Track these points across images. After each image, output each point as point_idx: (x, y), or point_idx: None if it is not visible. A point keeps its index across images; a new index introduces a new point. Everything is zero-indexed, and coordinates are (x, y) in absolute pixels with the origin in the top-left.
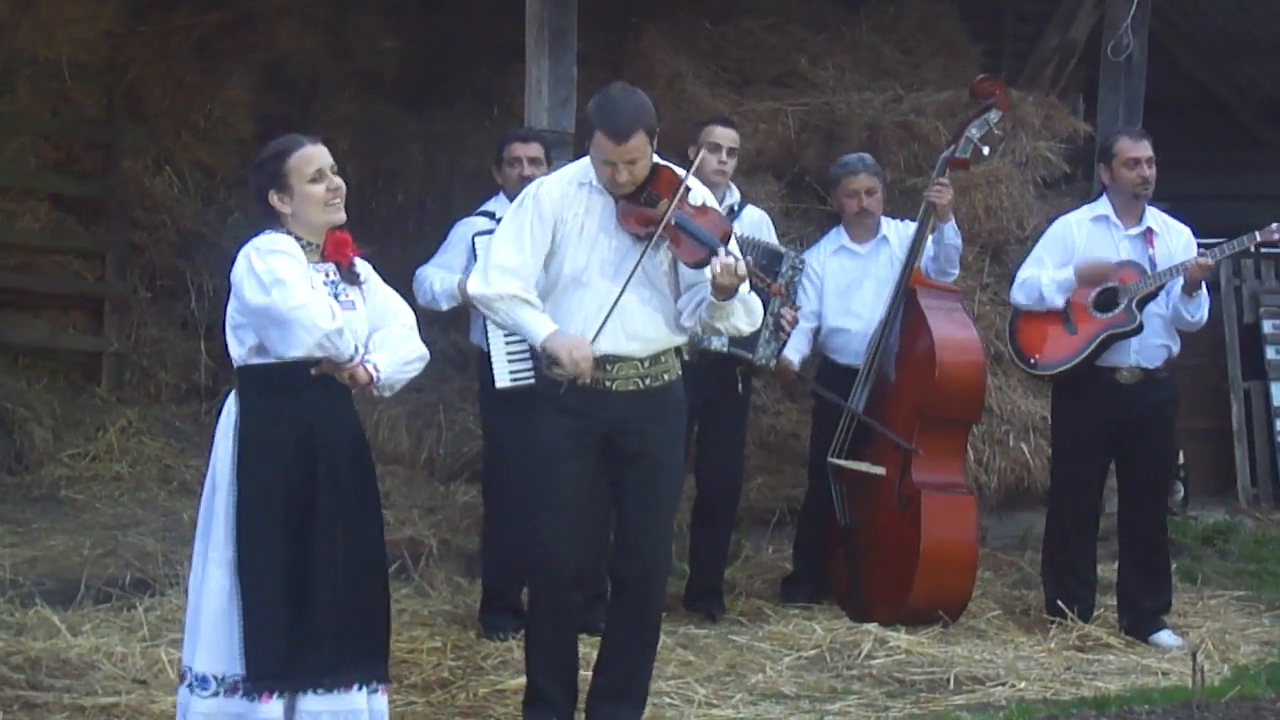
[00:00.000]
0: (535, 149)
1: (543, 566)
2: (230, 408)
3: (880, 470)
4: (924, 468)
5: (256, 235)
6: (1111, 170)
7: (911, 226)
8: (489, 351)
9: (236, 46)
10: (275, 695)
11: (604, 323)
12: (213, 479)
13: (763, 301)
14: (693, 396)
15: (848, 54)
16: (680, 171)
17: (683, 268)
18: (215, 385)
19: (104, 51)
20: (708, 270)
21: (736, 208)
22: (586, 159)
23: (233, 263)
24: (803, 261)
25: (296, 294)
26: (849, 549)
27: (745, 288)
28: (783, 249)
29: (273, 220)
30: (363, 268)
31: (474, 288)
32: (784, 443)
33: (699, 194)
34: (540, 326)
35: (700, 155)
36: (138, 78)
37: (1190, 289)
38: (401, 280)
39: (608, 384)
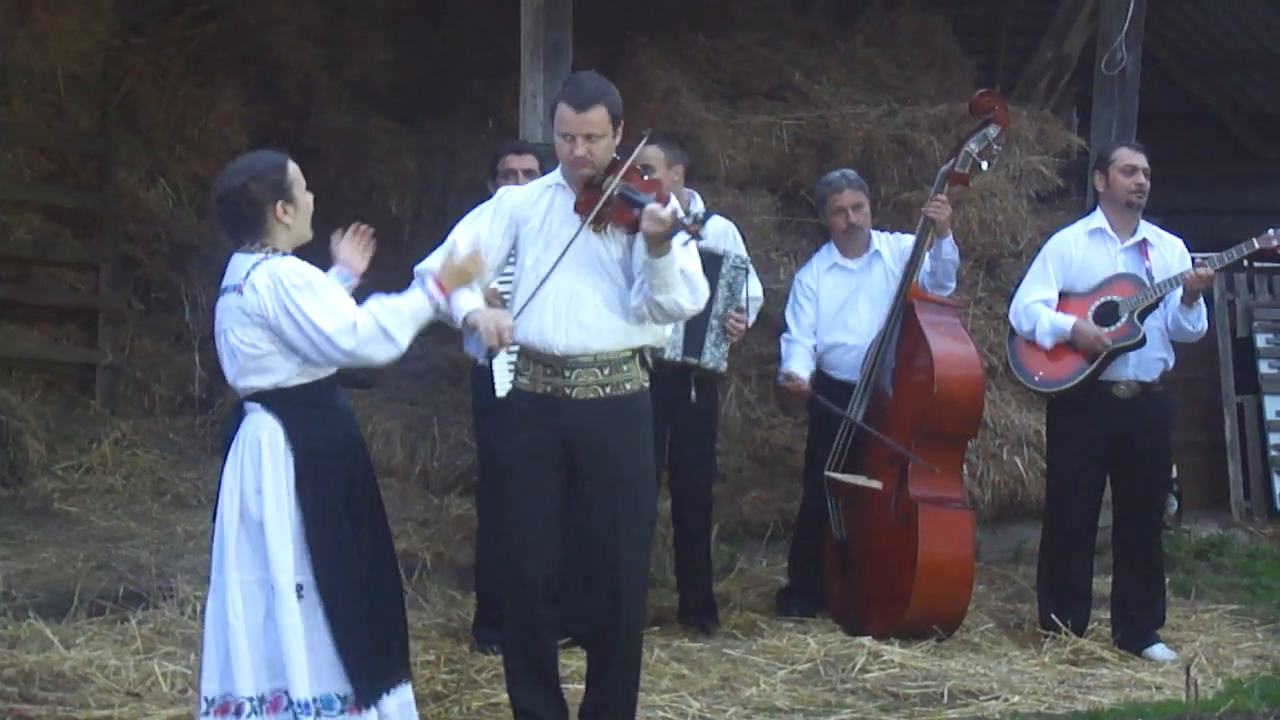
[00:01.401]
0: (530, 161)
1: (507, 580)
2: (256, 432)
3: (877, 484)
4: (921, 482)
5: (258, 264)
6: (1108, 177)
7: (905, 239)
8: (482, 364)
9: (231, 58)
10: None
11: (532, 295)
12: (237, 505)
13: (714, 259)
14: (658, 407)
15: (842, 68)
16: (638, 164)
17: (635, 253)
18: (209, 398)
19: (99, 64)
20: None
21: (701, 218)
22: (554, 173)
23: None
24: (743, 261)
25: (345, 329)
26: (844, 562)
27: (690, 263)
28: (720, 250)
29: (259, 237)
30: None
31: (429, 265)
32: (778, 456)
33: (646, 174)
34: (464, 304)
35: (642, 146)
36: (132, 90)
37: (1190, 299)
38: (398, 290)
39: (567, 391)
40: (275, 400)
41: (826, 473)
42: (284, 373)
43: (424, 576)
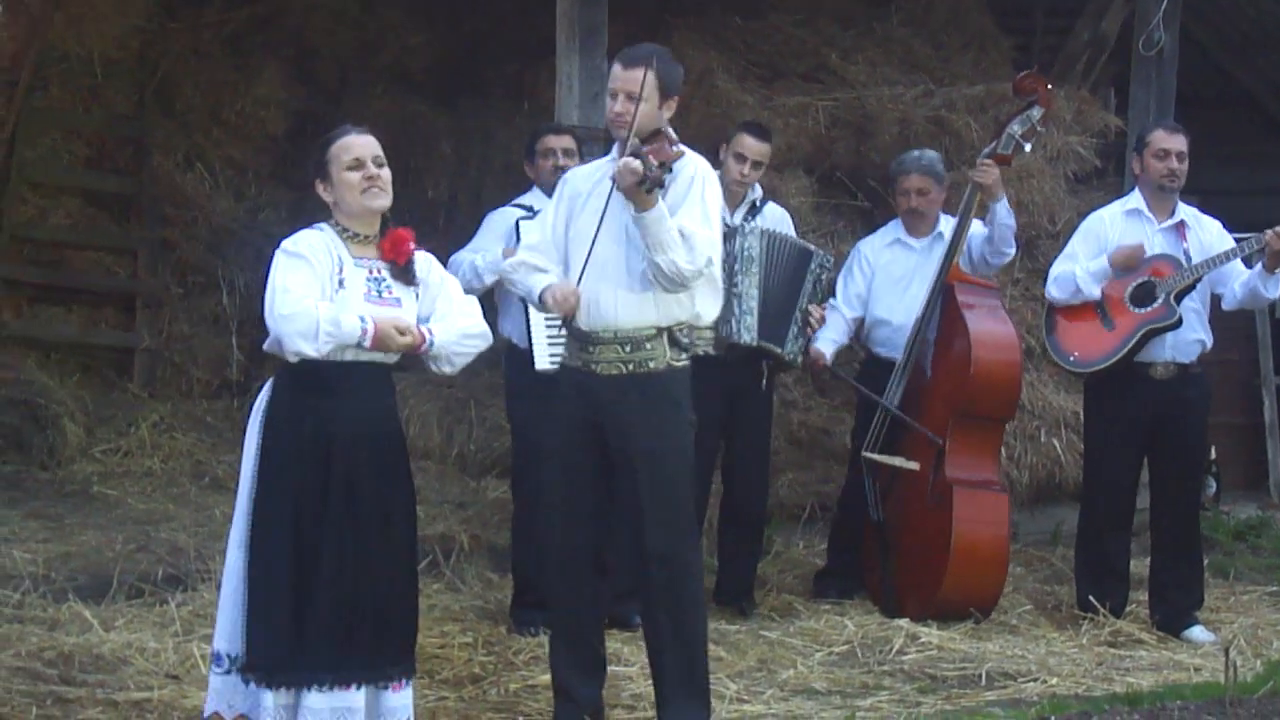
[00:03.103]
0: (568, 140)
1: (549, 559)
2: (262, 399)
3: (914, 465)
4: (958, 464)
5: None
6: (1142, 160)
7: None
8: (518, 344)
9: (267, 42)
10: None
11: (585, 262)
12: (244, 470)
13: (805, 256)
14: (719, 392)
15: (878, 49)
16: (677, 142)
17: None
18: (247, 381)
19: (135, 48)
20: (684, 205)
21: (759, 204)
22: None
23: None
24: (830, 261)
25: (286, 303)
26: (882, 544)
27: (691, 223)
28: (812, 247)
29: (322, 211)
30: (424, 267)
31: (502, 264)
32: (814, 438)
33: (688, 169)
34: (538, 283)
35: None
36: (169, 74)
37: (1272, 264)
38: None
39: (593, 367)
40: (280, 373)
41: (864, 453)
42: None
43: (461, 559)
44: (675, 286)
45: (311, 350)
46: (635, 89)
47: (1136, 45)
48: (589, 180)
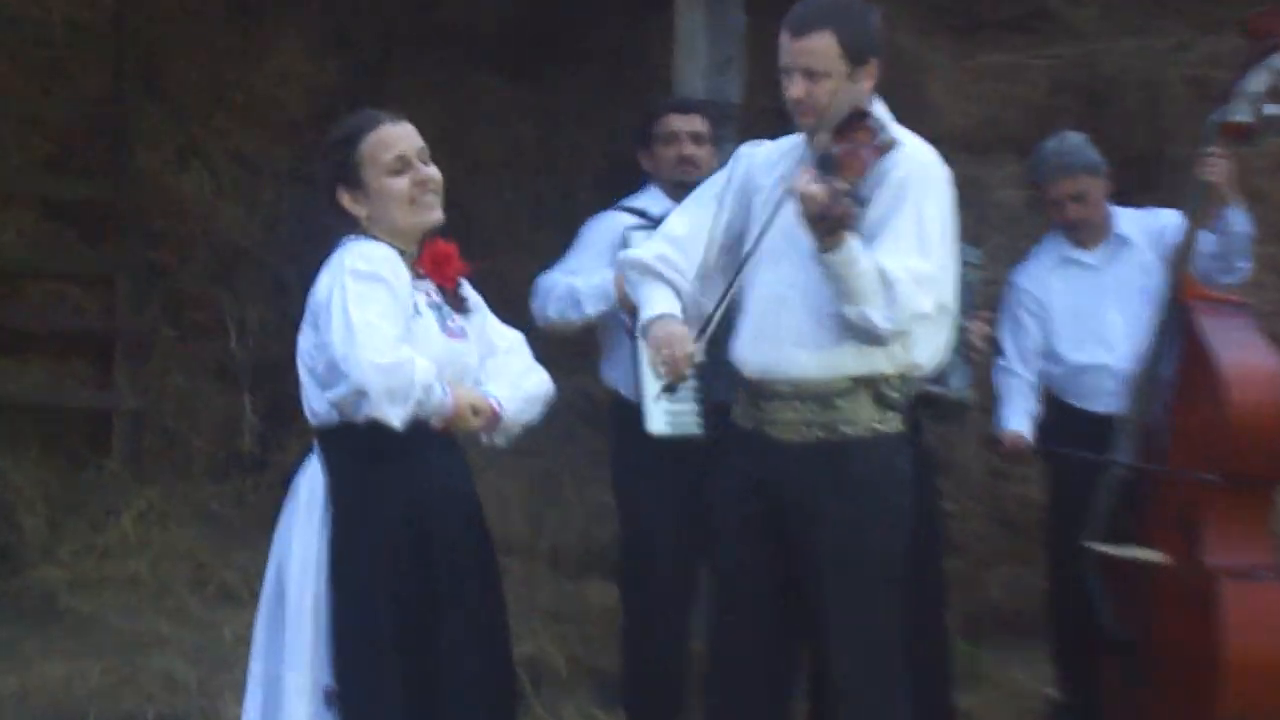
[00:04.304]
0: (697, 121)
1: (713, 671)
2: (311, 480)
3: (1158, 556)
4: (1220, 546)
5: (344, 243)
6: None
7: (1162, 215)
8: (627, 396)
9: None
10: None
11: (718, 306)
12: (279, 577)
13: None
14: None
15: None
16: (886, 131)
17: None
18: (264, 453)
19: (110, 7)
20: (885, 233)
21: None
22: None
23: (304, 279)
24: (978, 256)
25: (380, 346)
26: (1124, 665)
27: (895, 261)
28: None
29: (347, 224)
30: (469, 293)
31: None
32: (1034, 519)
33: (901, 163)
34: (653, 305)
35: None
36: (156, 42)
37: None
38: (513, 307)
39: (766, 428)
40: (333, 442)
41: (1086, 545)
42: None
43: (557, 688)
44: (866, 340)
45: (395, 419)
46: (815, 63)
47: None
48: (770, 170)
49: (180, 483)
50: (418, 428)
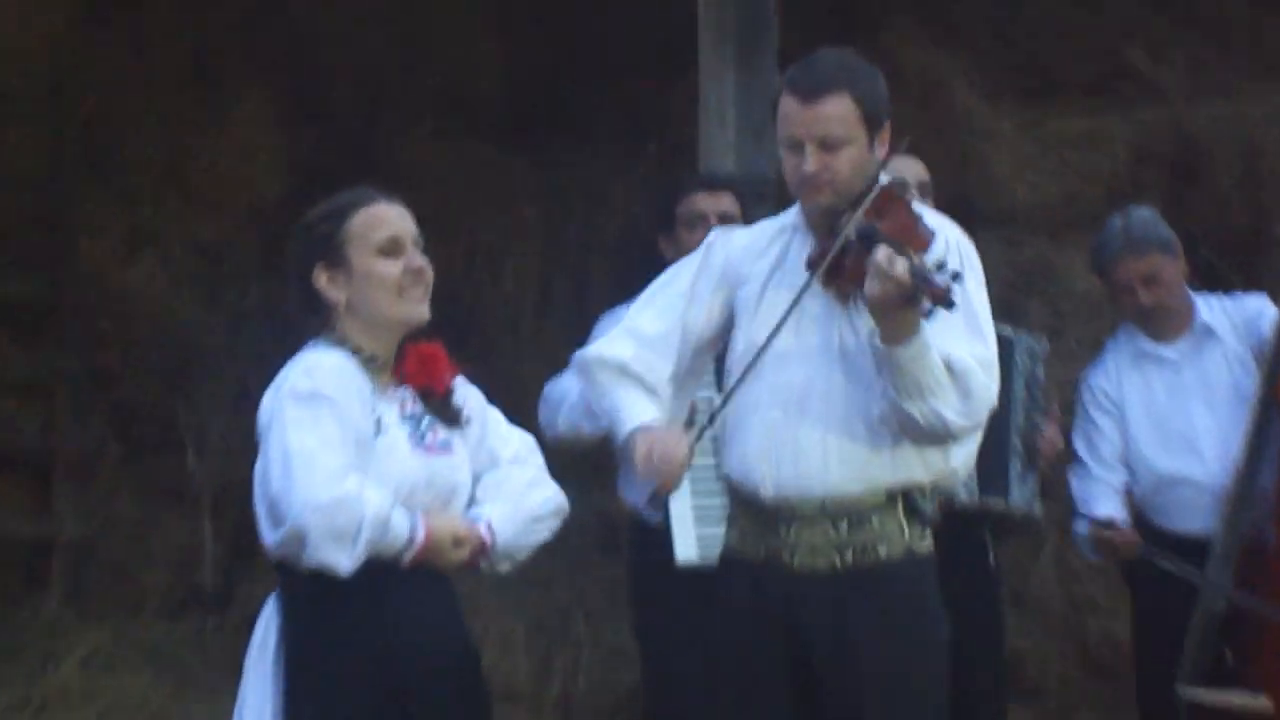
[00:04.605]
0: (727, 201)
1: None
2: (268, 622)
3: (1264, 703)
4: None
5: (300, 351)
6: None
7: (1249, 303)
8: (647, 516)
9: (255, 58)
10: None
11: (723, 403)
12: None
13: (1002, 348)
14: None
15: (1208, 38)
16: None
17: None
18: (227, 588)
19: (45, 67)
20: (938, 321)
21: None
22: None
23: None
24: (1043, 348)
25: (316, 480)
26: None
27: (961, 347)
28: (1008, 330)
29: (316, 318)
30: (465, 397)
31: (586, 350)
32: (1123, 658)
33: (941, 244)
34: (633, 413)
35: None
36: (102, 110)
37: None
38: (518, 416)
39: (784, 556)
40: (289, 577)
41: (1179, 688)
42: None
43: None
44: (931, 441)
45: (344, 562)
46: (833, 130)
47: None
48: (756, 259)
49: (130, 623)
50: (387, 563)
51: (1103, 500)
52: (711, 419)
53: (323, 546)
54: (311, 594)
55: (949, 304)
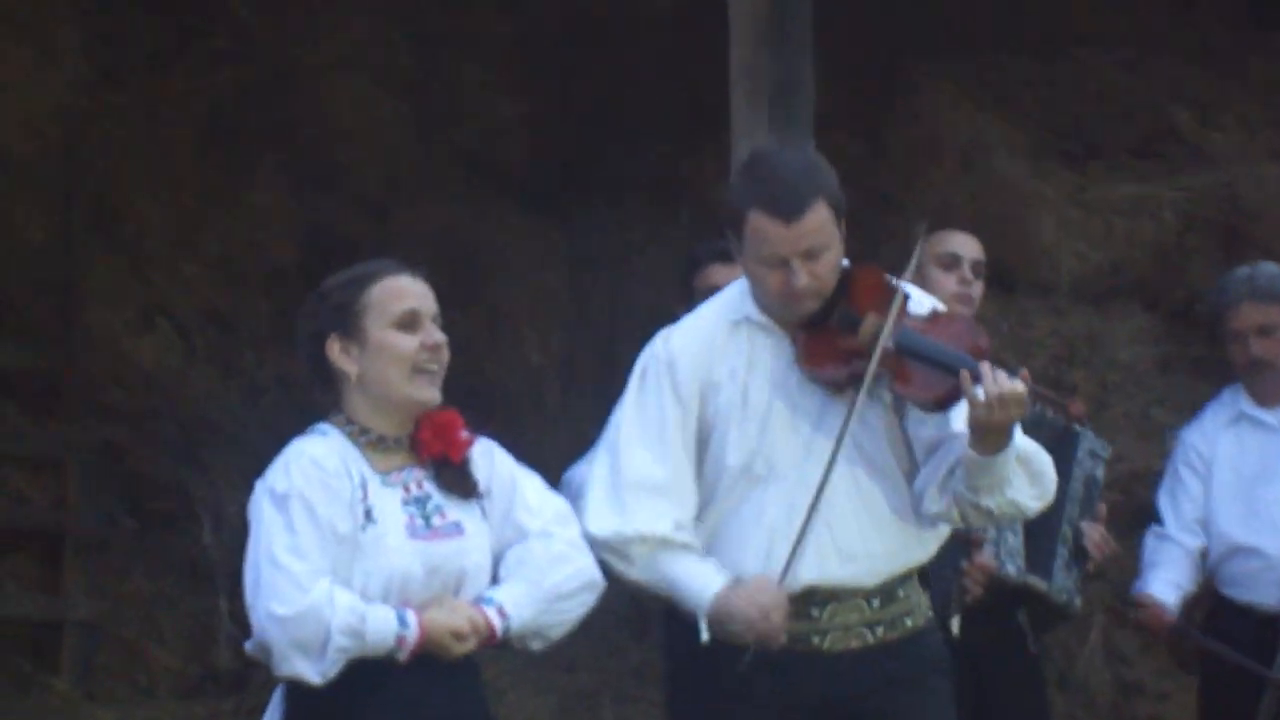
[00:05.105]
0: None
1: None
2: (273, 713)
3: None
4: None
5: (303, 433)
6: None
7: None
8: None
9: (268, 123)
10: None
11: (799, 539)
12: None
13: (1067, 437)
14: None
15: (1258, 100)
16: (888, 275)
17: (912, 423)
18: (244, 670)
19: (57, 137)
20: (963, 410)
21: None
22: (730, 289)
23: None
24: (1106, 450)
25: (280, 591)
26: None
27: (1026, 439)
28: (1075, 424)
29: (326, 391)
30: (486, 465)
31: (597, 524)
32: None
33: (923, 301)
34: (706, 583)
35: (917, 258)
36: (112, 179)
37: None
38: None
39: (814, 640)
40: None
41: None
42: None
43: None
44: (992, 525)
45: (311, 674)
46: (816, 242)
47: None
48: (716, 361)
49: (143, 705)
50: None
51: (1159, 570)
52: (789, 564)
53: (288, 658)
54: (312, 689)
55: (1083, 420)
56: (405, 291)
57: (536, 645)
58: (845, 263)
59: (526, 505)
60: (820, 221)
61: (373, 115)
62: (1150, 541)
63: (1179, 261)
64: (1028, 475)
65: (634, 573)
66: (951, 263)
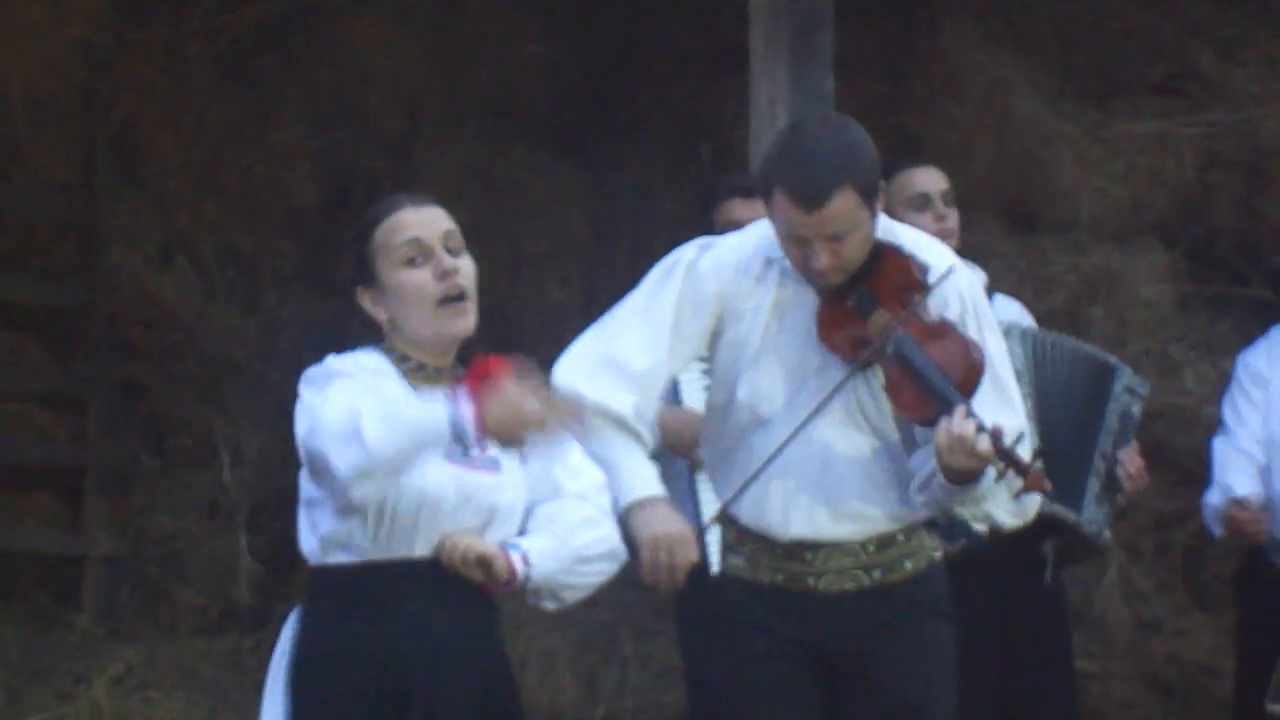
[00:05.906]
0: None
1: None
2: (286, 638)
3: None
4: None
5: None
6: None
7: None
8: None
9: (291, 63)
10: None
11: (745, 485)
12: None
13: (1105, 371)
14: (981, 597)
15: (1278, 39)
16: (922, 261)
17: (922, 452)
18: (265, 606)
19: (79, 76)
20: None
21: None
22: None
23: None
24: (1144, 386)
25: (327, 414)
26: None
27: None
28: (1113, 360)
29: (382, 337)
30: None
31: (566, 376)
32: (1194, 682)
33: (950, 299)
34: (635, 482)
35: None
36: (133, 117)
37: None
38: None
39: (809, 580)
40: (313, 584)
41: (1270, 706)
42: (319, 535)
43: None
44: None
45: (360, 454)
46: (840, 226)
47: None
48: (746, 295)
49: (164, 642)
50: (412, 565)
51: (1242, 476)
52: (721, 518)
53: (340, 455)
54: (327, 599)
55: (1041, 487)
56: (404, 224)
57: (550, 605)
58: (885, 234)
59: (566, 464)
60: (845, 208)
61: (394, 54)
62: (1218, 448)
63: (1199, 199)
64: (1010, 500)
65: (590, 440)
66: (922, 203)
